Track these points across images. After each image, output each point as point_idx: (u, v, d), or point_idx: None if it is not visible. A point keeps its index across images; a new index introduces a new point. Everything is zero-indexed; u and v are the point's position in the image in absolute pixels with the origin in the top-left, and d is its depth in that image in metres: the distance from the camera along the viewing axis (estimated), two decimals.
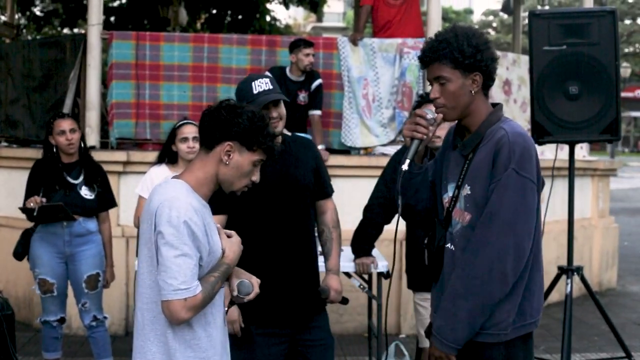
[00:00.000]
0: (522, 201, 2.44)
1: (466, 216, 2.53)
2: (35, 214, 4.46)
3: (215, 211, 3.21)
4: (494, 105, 2.63)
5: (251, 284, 2.60)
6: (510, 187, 2.43)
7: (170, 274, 2.32)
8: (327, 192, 3.56)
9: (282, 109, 3.29)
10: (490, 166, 2.48)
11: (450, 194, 2.62)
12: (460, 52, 2.49)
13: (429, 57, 2.55)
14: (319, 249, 3.59)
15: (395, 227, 2.70)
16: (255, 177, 2.55)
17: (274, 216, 3.29)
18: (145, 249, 2.43)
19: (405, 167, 2.58)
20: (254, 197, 3.22)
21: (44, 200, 4.51)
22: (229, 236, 2.58)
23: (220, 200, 3.17)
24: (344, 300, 3.65)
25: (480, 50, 2.51)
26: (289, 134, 3.56)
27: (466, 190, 2.53)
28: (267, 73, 6.24)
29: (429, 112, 2.58)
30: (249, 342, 3.29)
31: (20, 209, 4.56)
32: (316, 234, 3.55)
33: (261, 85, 3.24)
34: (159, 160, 4.60)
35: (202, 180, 2.49)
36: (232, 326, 3.26)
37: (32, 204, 4.45)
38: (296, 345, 3.37)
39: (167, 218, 2.34)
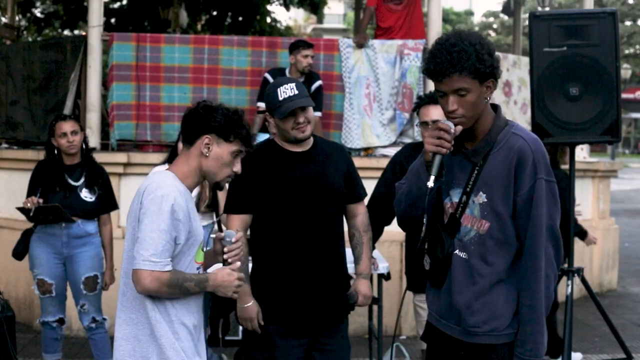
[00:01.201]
0: (555, 206, 2.52)
1: (484, 224, 2.52)
2: (31, 214, 4.47)
3: (239, 210, 3.27)
4: (492, 107, 2.61)
5: (234, 232, 2.81)
6: (544, 196, 2.47)
7: (143, 245, 2.55)
8: (359, 195, 3.52)
9: (310, 113, 3.27)
10: (510, 174, 2.49)
11: (455, 199, 2.59)
12: (481, 62, 2.42)
13: (449, 70, 2.41)
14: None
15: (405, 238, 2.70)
16: (237, 168, 2.75)
17: (303, 217, 3.27)
18: (131, 228, 2.66)
19: (431, 184, 2.45)
20: (285, 198, 3.25)
21: (40, 200, 4.51)
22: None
23: (245, 199, 3.24)
24: (375, 300, 3.62)
25: (493, 57, 2.47)
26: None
27: (481, 197, 2.52)
28: (267, 75, 6.26)
29: (451, 124, 2.46)
30: (269, 342, 3.27)
31: (18, 208, 4.57)
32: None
33: (286, 91, 3.21)
34: (169, 159, 4.62)
35: (187, 173, 2.71)
36: (250, 323, 3.25)
37: (28, 204, 4.46)
38: (312, 349, 3.35)
39: (153, 196, 2.56)
